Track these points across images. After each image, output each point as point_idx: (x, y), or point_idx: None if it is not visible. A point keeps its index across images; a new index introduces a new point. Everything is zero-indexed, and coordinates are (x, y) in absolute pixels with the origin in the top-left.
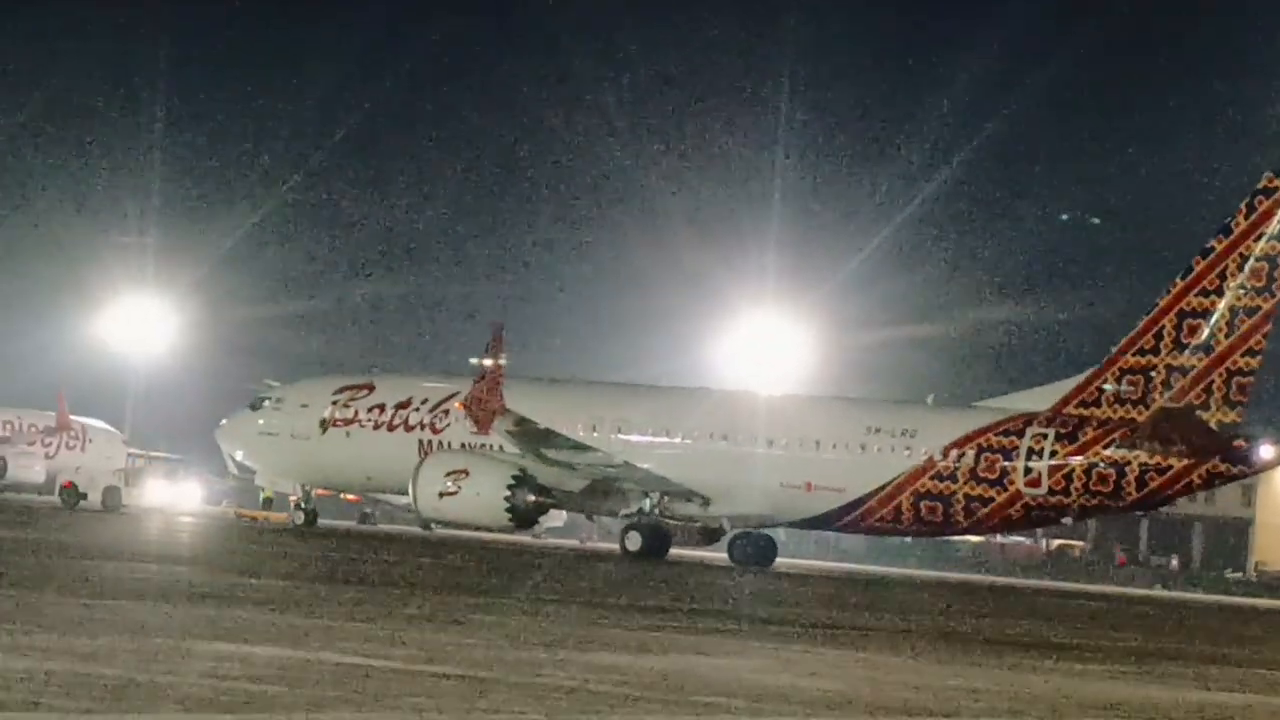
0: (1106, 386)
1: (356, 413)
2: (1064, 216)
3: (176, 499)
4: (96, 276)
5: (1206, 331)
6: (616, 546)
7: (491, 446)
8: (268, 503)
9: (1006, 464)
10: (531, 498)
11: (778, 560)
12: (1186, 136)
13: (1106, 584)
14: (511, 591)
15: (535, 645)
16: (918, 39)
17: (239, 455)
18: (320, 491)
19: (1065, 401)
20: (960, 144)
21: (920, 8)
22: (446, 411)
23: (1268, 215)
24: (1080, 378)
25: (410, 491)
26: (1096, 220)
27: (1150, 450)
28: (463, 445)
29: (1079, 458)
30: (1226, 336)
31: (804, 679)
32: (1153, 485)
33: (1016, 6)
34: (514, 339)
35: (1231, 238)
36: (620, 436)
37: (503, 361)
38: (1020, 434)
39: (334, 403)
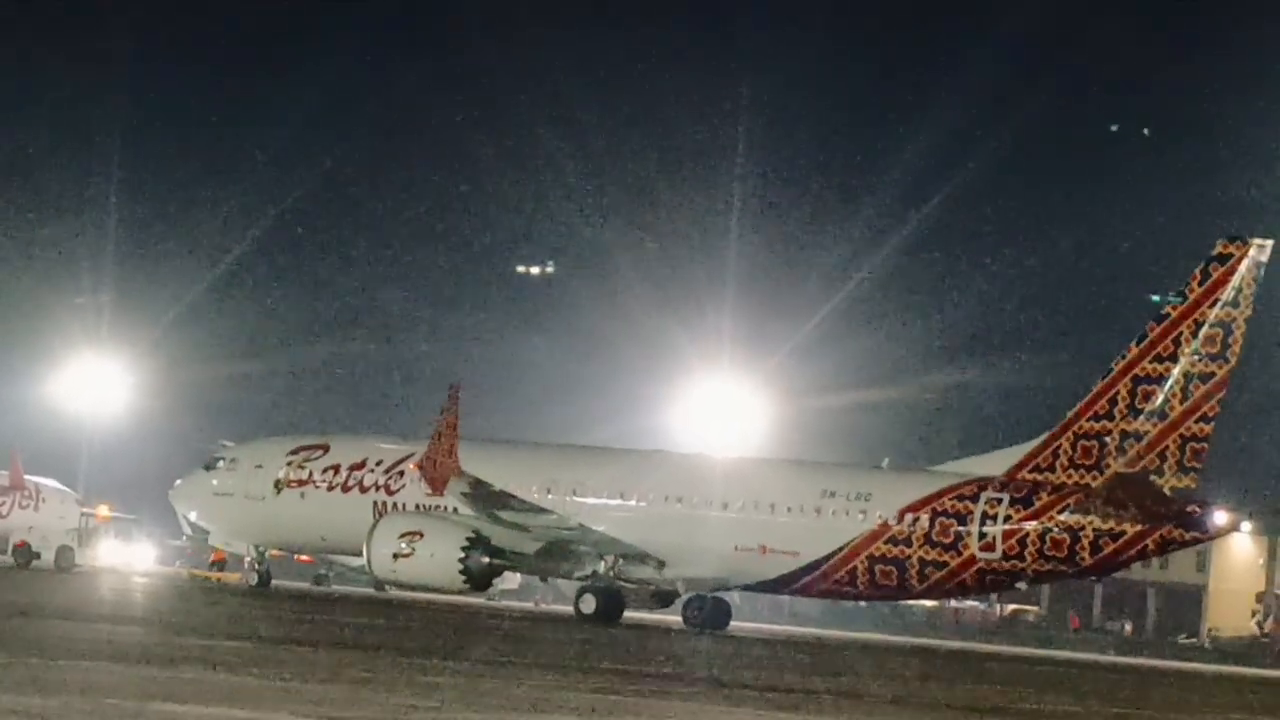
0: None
1: (311, 473)
2: (1018, 279)
3: (130, 559)
4: (51, 336)
5: (1161, 397)
6: (571, 609)
7: (446, 508)
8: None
9: (961, 528)
10: (486, 560)
11: (732, 624)
12: (1141, 202)
13: (1060, 649)
14: (466, 654)
15: (491, 708)
16: (870, 106)
17: (193, 516)
18: (274, 552)
19: (1020, 466)
20: (913, 210)
21: (873, 75)
22: (401, 473)
23: (1222, 282)
24: (1035, 442)
25: (365, 553)
26: (1051, 284)
27: (1104, 515)
28: (417, 507)
29: (1033, 523)
30: (1181, 402)
31: None
32: (1107, 551)
33: (970, 72)
34: (470, 401)
35: (1186, 304)
36: (575, 499)
37: (458, 423)
38: (975, 498)
39: (289, 463)
